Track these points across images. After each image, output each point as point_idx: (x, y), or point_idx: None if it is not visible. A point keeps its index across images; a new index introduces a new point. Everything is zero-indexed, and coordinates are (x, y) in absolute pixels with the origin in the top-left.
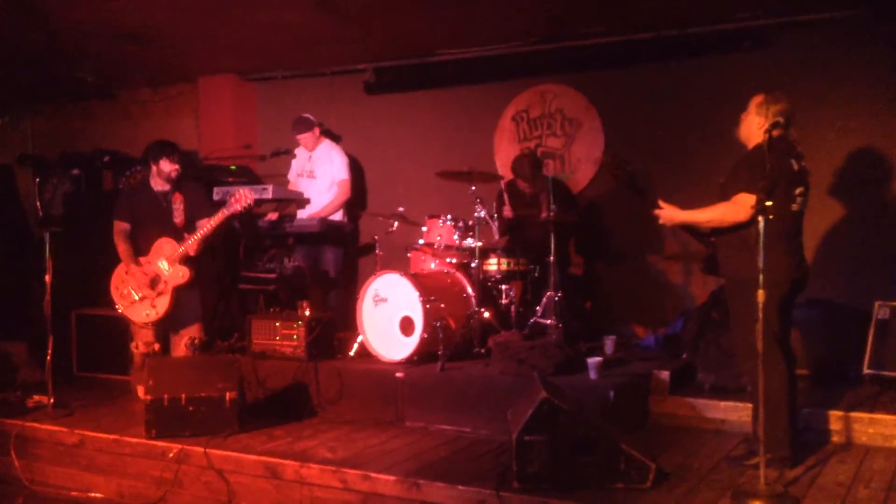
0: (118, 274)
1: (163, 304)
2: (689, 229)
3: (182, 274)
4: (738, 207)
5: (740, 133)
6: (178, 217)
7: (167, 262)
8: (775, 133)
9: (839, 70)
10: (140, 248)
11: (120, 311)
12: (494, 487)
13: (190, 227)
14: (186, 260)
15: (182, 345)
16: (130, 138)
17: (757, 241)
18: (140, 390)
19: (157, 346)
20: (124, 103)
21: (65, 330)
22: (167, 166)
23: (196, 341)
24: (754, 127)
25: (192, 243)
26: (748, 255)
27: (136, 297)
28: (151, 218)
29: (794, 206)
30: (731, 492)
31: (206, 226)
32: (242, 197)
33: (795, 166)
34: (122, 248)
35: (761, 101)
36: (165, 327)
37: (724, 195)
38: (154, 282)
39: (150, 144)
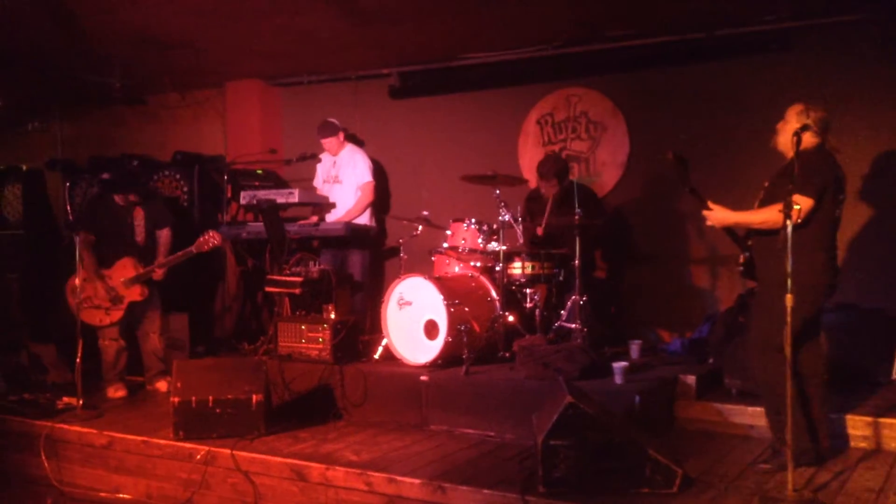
0: (76, 279)
1: (116, 314)
2: (730, 233)
3: (141, 293)
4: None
5: (778, 142)
6: (140, 235)
7: (128, 281)
8: (814, 141)
9: (867, 71)
10: (101, 258)
11: (74, 311)
12: (520, 492)
13: (150, 240)
14: (146, 280)
15: (153, 340)
16: (159, 143)
17: (787, 245)
18: (110, 390)
19: (122, 342)
20: (153, 108)
21: (93, 332)
22: (121, 200)
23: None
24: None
25: (157, 270)
26: (797, 258)
27: (91, 304)
28: (114, 232)
29: (838, 212)
30: (757, 497)
31: (171, 259)
32: (211, 238)
33: (840, 174)
34: (88, 259)
35: (801, 109)
36: (123, 329)
37: (774, 199)
38: (113, 296)
39: (110, 176)
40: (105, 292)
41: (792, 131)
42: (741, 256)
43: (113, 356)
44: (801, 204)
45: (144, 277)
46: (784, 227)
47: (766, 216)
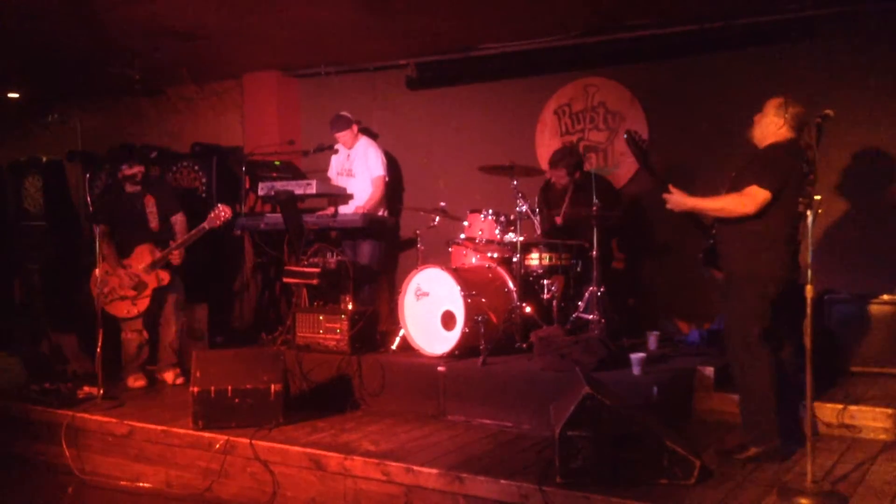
0: (98, 273)
1: (143, 303)
2: (693, 220)
3: (162, 278)
4: (747, 199)
5: (754, 134)
6: (154, 221)
7: (149, 268)
8: (788, 135)
9: (888, 61)
10: (119, 249)
11: (101, 305)
12: (537, 482)
13: (164, 226)
14: (166, 265)
15: (172, 332)
16: (177, 134)
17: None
18: (130, 380)
19: (146, 334)
20: (171, 100)
21: (114, 322)
22: (128, 170)
23: (185, 331)
24: (772, 128)
25: (174, 253)
26: (752, 250)
27: (117, 296)
28: (128, 221)
29: (801, 209)
30: (776, 489)
31: (186, 238)
32: (221, 212)
33: (805, 170)
34: (108, 251)
35: (780, 103)
36: (148, 319)
37: (735, 188)
38: (137, 285)
39: (110, 151)
40: (128, 279)
41: (770, 124)
42: (703, 243)
43: (135, 349)
44: (757, 195)
45: (163, 262)
46: (746, 216)
47: (723, 204)
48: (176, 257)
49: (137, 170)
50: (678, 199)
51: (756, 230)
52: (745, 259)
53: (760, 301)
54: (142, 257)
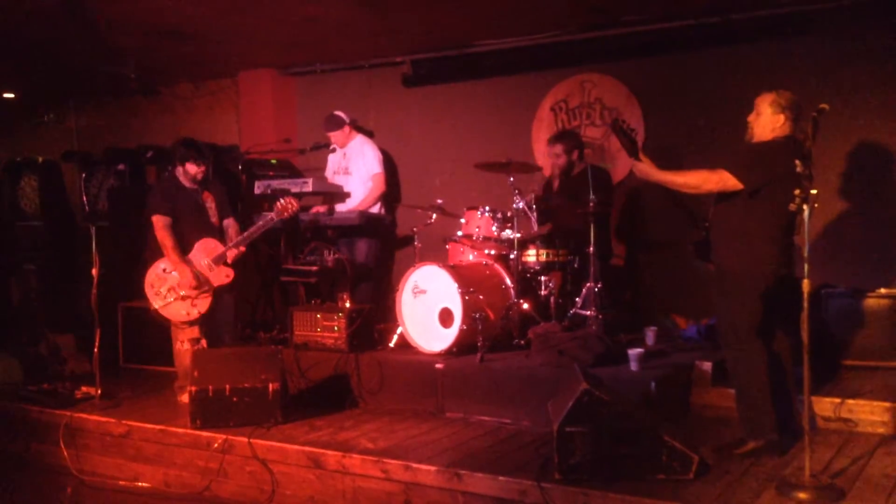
0: (154, 272)
1: (204, 303)
2: (686, 212)
3: (227, 275)
4: (715, 178)
5: (754, 134)
6: (214, 216)
7: (213, 263)
8: (784, 131)
9: (884, 56)
10: (180, 244)
11: (156, 308)
12: (535, 478)
13: (220, 227)
14: (230, 261)
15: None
16: (173, 133)
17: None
18: (185, 397)
19: (204, 342)
20: (167, 99)
21: (111, 322)
22: (193, 168)
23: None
24: (770, 126)
25: (240, 247)
26: (741, 245)
27: (177, 296)
28: (190, 215)
29: (792, 207)
30: (774, 483)
31: (252, 230)
32: (289, 204)
33: (799, 168)
34: (170, 243)
35: (773, 99)
36: (208, 325)
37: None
38: (199, 281)
39: (176, 145)
40: (193, 278)
41: (767, 122)
42: (696, 235)
43: (192, 361)
44: (726, 180)
45: (225, 257)
46: (736, 209)
47: (686, 179)
48: (232, 256)
49: (203, 168)
50: (643, 168)
51: (746, 227)
52: (735, 255)
53: (751, 296)
54: (205, 250)
